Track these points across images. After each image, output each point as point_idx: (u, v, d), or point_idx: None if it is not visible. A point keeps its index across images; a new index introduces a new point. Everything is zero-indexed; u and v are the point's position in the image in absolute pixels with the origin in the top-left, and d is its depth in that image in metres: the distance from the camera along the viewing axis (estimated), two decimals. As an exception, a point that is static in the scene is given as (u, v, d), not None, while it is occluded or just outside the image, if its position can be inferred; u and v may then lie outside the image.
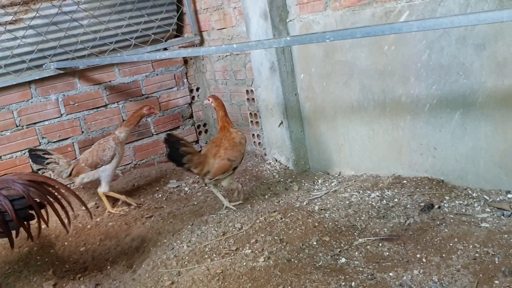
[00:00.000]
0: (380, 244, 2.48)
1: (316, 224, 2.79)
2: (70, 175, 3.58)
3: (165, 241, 2.93)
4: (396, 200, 2.97)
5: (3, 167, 3.90)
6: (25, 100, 3.96)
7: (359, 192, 3.19)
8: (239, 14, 4.13)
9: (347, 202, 3.07)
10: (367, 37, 3.16)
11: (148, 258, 2.77)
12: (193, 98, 4.87)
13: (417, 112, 3.08)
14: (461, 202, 2.76)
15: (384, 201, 2.99)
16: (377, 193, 3.11)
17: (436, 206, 2.78)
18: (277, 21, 3.63)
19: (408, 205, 2.87)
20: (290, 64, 3.71)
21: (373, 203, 2.99)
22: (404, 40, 3.00)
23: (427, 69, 2.93)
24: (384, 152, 3.36)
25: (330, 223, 2.78)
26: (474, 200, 2.76)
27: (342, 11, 3.29)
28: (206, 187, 3.78)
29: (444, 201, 2.80)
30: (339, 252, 2.47)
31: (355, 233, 2.65)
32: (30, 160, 3.66)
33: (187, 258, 2.67)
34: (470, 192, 2.86)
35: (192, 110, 4.86)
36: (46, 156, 3.54)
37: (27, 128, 3.98)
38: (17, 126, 3.94)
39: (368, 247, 2.47)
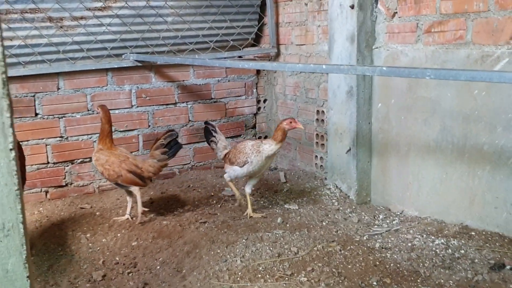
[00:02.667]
0: (446, 298, 2.33)
1: (377, 263, 2.66)
2: (223, 158, 3.66)
3: (218, 251, 2.88)
4: (462, 251, 2.80)
5: (68, 148, 3.99)
6: (100, 86, 4.05)
7: (423, 236, 3.04)
8: (322, 33, 4.07)
9: (409, 244, 2.93)
10: (457, 77, 3.04)
11: (200, 266, 2.73)
12: (259, 109, 4.84)
13: (498, 163, 2.90)
14: (537, 268, 2.57)
15: (450, 250, 2.83)
16: (442, 240, 2.95)
17: (508, 267, 2.59)
18: (363, 46, 3.54)
19: (476, 260, 2.69)
20: (369, 91, 3.60)
21: (437, 250, 2.84)
22: (498, 87, 2.84)
23: (519, 121, 2.76)
24: (454, 199, 3.19)
25: (391, 264, 2.65)
26: (552, 268, 2.56)
27: (434, 47, 3.17)
28: (262, 202, 3.73)
29: (518, 264, 2.61)
30: (401, 298, 2.34)
31: (418, 280, 2.50)
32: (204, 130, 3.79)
33: (240, 274, 2.60)
34: (547, 258, 2.66)
35: (256, 121, 4.83)
36: (213, 133, 3.71)
37: (97, 114, 4.04)
38: (88, 110, 4.03)
39: (433, 299, 2.33)
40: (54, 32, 3.86)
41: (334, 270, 2.59)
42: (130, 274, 2.78)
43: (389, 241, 2.99)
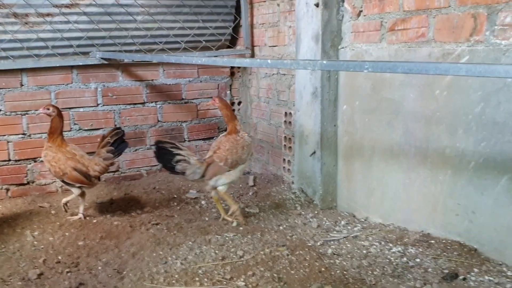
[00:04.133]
0: (386, 308, 2.18)
1: (323, 269, 2.52)
2: (203, 176, 3.13)
3: (161, 253, 2.76)
4: (418, 260, 2.65)
5: (31, 145, 3.91)
6: (65, 83, 3.97)
7: (381, 243, 2.89)
8: (293, 34, 3.97)
9: (364, 251, 2.78)
10: (419, 78, 2.91)
11: (137, 268, 2.61)
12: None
13: (460, 168, 2.76)
14: (491, 278, 2.41)
15: (405, 258, 2.68)
16: (400, 248, 2.80)
17: (461, 277, 2.44)
18: (328, 46, 3.42)
19: (430, 269, 2.54)
20: (334, 92, 3.48)
21: (392, 258, 2.69)
22: (459, 87, 2.71)
23: (478, 123, 2.62)
24: (417, 205, 3.04)
25: (338, 271, 2.51)
26: (508, 280, 2.40)
27: (398, 45, 3.04)
28: (222, 205, 3.61)
29: (472, 273, 2.45)
30: (338, 307, 2.20)
31: (362, 288, 2.36)
32: (155, 155, 3.16)
33: (176, 276, 2.48)
34: (505, 269, 2.49)
35: (230, 124, 4.71)
36: (175, 150, 3.08)
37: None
38: (52, 108, 3.93)
39: (373, 308, 2.19)
40: (18, 28, 3.79)
41: (275, 275, 2.46)
42: (69, 274, 2.66)
43: (344, 247, 2.85)
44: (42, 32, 3.87)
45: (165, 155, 3.10)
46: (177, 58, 3.31)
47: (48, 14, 3.88)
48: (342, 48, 3.44)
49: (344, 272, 2.50)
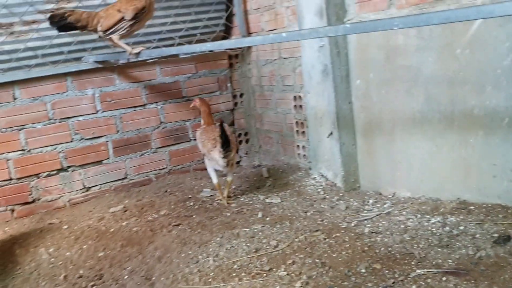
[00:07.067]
0: (444, 278, 2.03)
1: (366, 248, 2.37)
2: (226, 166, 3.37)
3: (189, 252, 2.59)
4: (461, 228, 2.51)
5: (32, 161, 3.70)
6: (60, 92, 3.77)
7: (417, 216, 2.74)
8: (292, 14, 3.81)
9: (402, 226, 2.63)
10: (437, 40, 2.77)
11: (168, 271, 2.43)
12: (235, 104, 4.56)
13: (492, 127, 2.62)
14: (546, 236, 2.27)
15: (447, 228, 2.53)
16: (438, 218, 2.65)
17: (514, 239, 2.30)
18: (334, 20, 3.27)
19: (477, 235, 2.39)
20: (345, 68, 3.33)
21: (433, 229, 2.54)
22: (483, 42, 2.57)
23: (509, 77, 2.48)
24: (447, 173, 2.90)
25: (382, 249, 2.35)
26: None
27: (408, 9, 2.90)
28: (242, 199, 3.44)
29: (524, 234, 2.32)
30: (393, 283, 2.04)
31: (412, 263, 2.20)
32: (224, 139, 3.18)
33: (212, 274, 2.31)
34: (556, 225, 2.36)
35: (234, 117, 4.55)
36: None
37: (60, 122, 3.78)
38: (49, 120, 3.74)
39: (429, 280, 2.03)
40: (4, 39, 3.59)
41: (317, 260, 2.29)
42: (94, 287, 2.49)
43: (380, 225, 2.69)
44: (30, 41, 3.66)
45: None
46: (178, 49, 3.14)
47: (34, 22, 3.68)
48: (348, 21, 3.29)
49: (389, 249, 2.35)
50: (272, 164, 4.34)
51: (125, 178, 4.05)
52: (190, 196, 3.68)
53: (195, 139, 4.23)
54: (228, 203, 3.38)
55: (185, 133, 4.29)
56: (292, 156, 4.09)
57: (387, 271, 2.12)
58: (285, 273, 2.21)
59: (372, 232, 2.58)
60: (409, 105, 3.01)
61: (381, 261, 2.22)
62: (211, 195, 3.64)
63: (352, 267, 2.19)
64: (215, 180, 3.41)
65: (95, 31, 3.34)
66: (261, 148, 4.61)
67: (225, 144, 3.14)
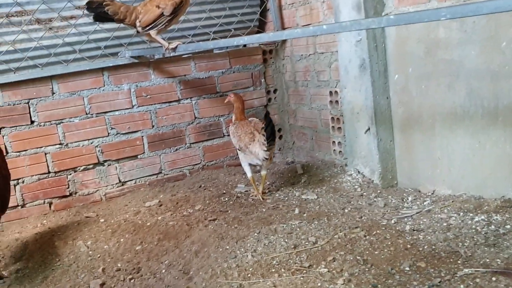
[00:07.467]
0: (494, 278, 1.96)
1: (408, 246, 2.31)
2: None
3: (227, 247, 2.58)
4: (508, 227, 2.42)
5: (69, 155, 3.76)
6: (97, 87, 3.81)
7: (459, 214, 2.66)
8: (327, 9, 3.76)
9: (444, 224, 2.56)
10: (480, 33, 2.68)
11: (207, 265, 2.42)
12: (269, 100, 4.53)
13: (540, 122, 2.53)
14: None
15: (493, 226, 2.45)
16: (482, 217, 2.57)
17: None
18: (371, 13, 3.21)
19: (526, 235, 2.31)
20: (383, 62, 3.26)
21: (478, 228, 2.46)
22: (530, 34, 2.47)
23: (560, 70, 2.38)
24: (491, 170, 2.81)
25: (425, 246, 2.29)
26: None
27: (451, 1, 2.82)
28: (277, 195, 3.41)
29: None
30: (439, 282, 1.97)
31: (459, 261, 2.14)
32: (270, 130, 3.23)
33: (251, 270, 2.29)
34: None
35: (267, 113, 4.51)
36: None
37: (96, 116, 3.82)
38: (86, 114, 3.79)
39: (478, 280, 1.96)
40: (43, 34, 3.65)
41: (358, 257, 2.25)
42: (132, 281, 2.50)
43: (421, 222, 2.63)
44: (68, 36, 3.72)
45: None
46: (215, 43, 3.11)
47: (71, 17, 3.74)
48: (386, 15, 3.22)
49: (433, 247, 2.28)
50: (306, 161, 4.30)
51: (159, 173, 4.07)
52: (224, 191, 3.67)
53: (228, 135, 4.22)
54: (263, 198, 3.36)
55: (218, 128, 4.29)
56: (327, 152, 4.04)
57: (432, 270, 2.06)
58: (326, 269, 2.18)
59: (414, 230, 2.52)
60: (451, 100, 2.93)
61: (425, 259, 2.16)
62: (245, 191, 3.62)
63: (395, 265, 2.14)
64: (249, 174, 3.40)
65: (133, 26, 3.35)
66: (294, 144, 4.57)
67: (271, 136, 3.14)
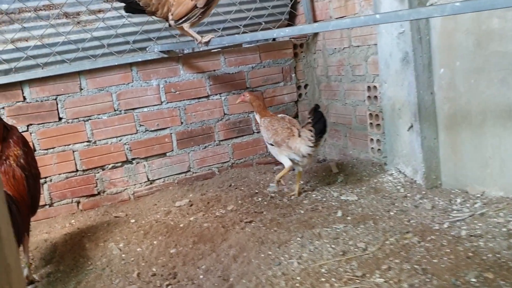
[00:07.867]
0: None
1: (470, 254, 2.14)
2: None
3: (269, 253, 2.43)
4: None
5: (97, 152, 3.64)
6: (126, 83, 3.68)
7: (517, 219, 2.48)
8: (364, 0, 3.58)
9: (504, 229, 2.38)
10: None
11: (249, 273, 2.28)
12: (300, 95, 4.37)
13: None
14: None
15: (559, 233, 2.27)
16: (544, 222, 2.39)
17: None
18: (416, 3, 3.02)
19: None
20: (427, 55, 3.08)
21: (541, 234, 2.28)
22: None
23: None
24: (549, 171, 2.62)
25: (489, 255, 2.12)
26: None
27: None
28: (314, 195, 3.26)
29: None
30: (511, 296, 1.81)
31: (529, 273, 1.97)
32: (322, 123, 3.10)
33: (298, 278, 2.14)
34: None
35: (298, 109, 4.36)
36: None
37: (125, 113, 3.70)
38: (115, 110, 3.67)
39: (554, 294, 1.79)
40: (71, 28, 3.54)
41: (416, 266, 2.09)
42: (169, 287, 2.37)
43: (477, 227, 2.45)
44: (96, 31, 3.60)
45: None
46: (253, 35, 2.95)
47: (99, 11, 3.62)
48: (431, 5, 3.04)
49: (497, 255, 2.11)
50: (339, 159, 4.14)
51: (188, 171, 3.94)
52: (256, 191, 3.53)
53: (258, 132, 4.09)
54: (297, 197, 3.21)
55: (248, 125, 4.15)
56: (363, 150, 3.87)
57: (502, 282, 1.90)
58: (382, 280, 2.02)
59: (471, 236, 2.34)
60: (504, 95, 2.74)
61: (492, 270, 1.99)
62: (279, 190, 3.47)
63: (459, 276, 1.97)
64: (288, 163, 3.22)
65: (165, 19, 3.21)
66: (326, 141, 4.40)
67: (322, 131, 3.03)
